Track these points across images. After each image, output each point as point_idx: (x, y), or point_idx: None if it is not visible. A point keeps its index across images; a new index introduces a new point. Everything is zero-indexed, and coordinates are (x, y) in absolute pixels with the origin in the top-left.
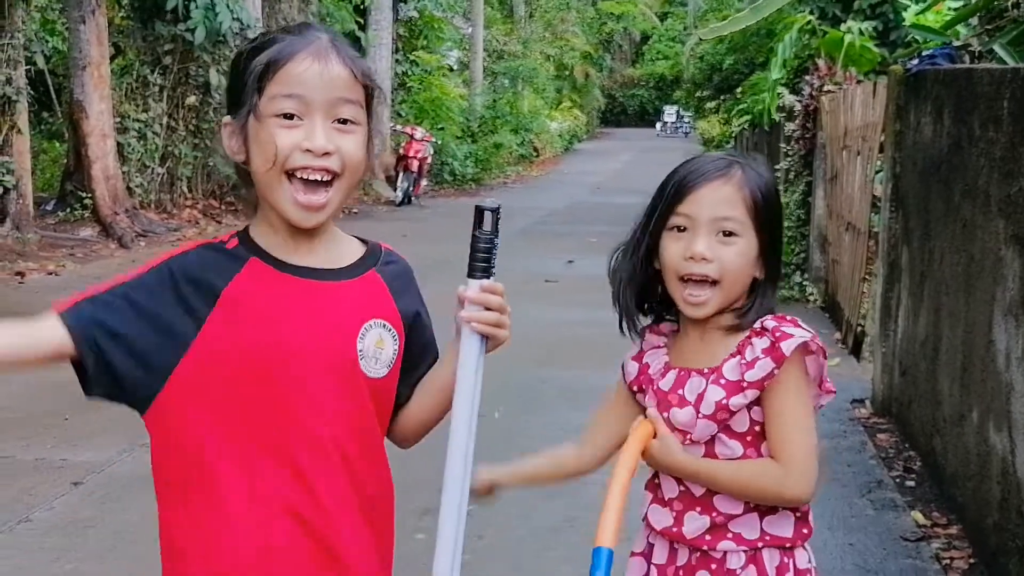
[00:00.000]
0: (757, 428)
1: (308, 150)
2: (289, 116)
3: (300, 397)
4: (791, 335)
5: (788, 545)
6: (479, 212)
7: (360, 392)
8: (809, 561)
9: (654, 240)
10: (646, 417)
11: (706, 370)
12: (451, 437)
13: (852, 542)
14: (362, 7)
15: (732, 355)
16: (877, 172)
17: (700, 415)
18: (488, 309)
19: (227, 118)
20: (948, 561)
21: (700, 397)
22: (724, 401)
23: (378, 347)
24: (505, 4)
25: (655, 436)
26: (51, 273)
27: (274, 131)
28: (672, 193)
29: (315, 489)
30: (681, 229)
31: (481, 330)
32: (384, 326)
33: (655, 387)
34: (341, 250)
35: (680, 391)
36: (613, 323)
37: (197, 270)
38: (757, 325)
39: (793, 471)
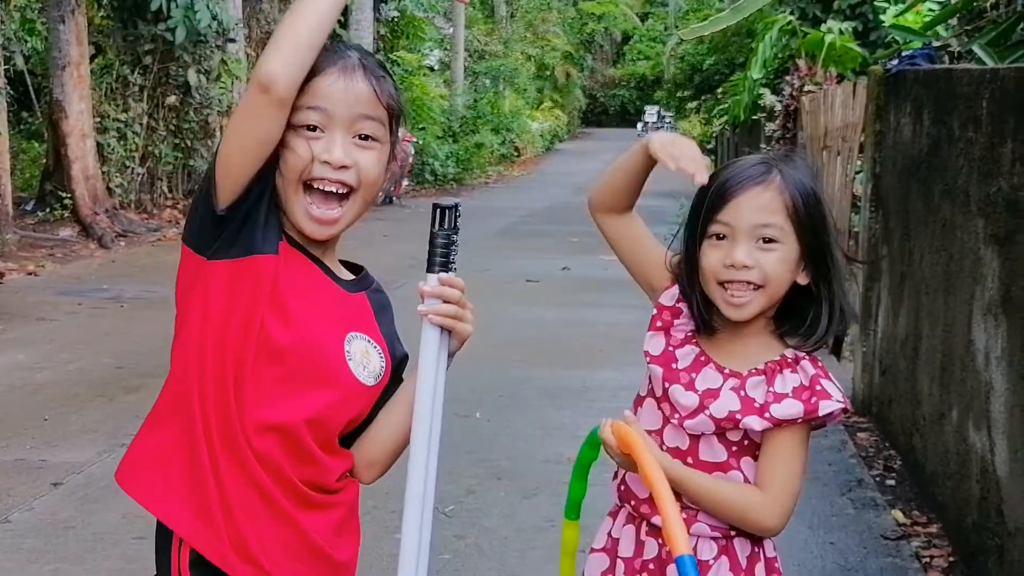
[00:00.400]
0: (746, 442)
1: (326, 162)
2: (312, 128)
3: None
4: (830, 396)
5: (760, 536)
6: (436, 210)
7: (342, 387)
8: (774, 549)
9: (696, 246)
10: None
11: (727, 370)
12: (414, 429)
13: (833, 541)
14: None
15: (758, 371)
16: (857, 172)
17: (707, 412)
18: (448, 302)
19: None
20: (928, 559)
21: (710, 393)
22: (739, 416)
23: (364, 356)
24: (486, 4)
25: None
26: (31, 273)
27: (296, 141)
28: (711, 201)
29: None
30: (720, 237)
31: (438, 322)
32: (368, 340)
33: (670, 347)
34: (340, 268)
35: (693, 375)
36: (594, 323)
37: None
38: (790, 354)
39: (774, 504)
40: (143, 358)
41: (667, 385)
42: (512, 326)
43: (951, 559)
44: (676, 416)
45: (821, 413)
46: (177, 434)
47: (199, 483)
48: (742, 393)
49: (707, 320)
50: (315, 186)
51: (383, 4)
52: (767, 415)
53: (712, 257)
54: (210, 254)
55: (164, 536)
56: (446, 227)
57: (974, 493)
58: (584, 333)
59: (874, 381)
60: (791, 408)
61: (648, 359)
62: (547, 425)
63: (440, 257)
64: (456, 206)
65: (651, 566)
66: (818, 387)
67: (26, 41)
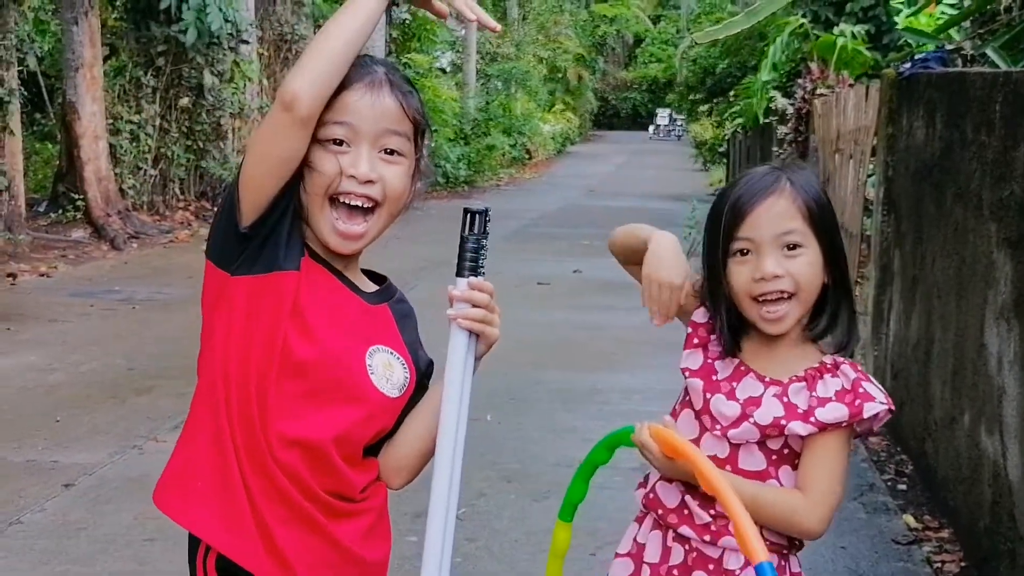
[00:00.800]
0: (786, 451)
1: (352, 176)
2: (339, 142)
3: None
4: (873, 398)
5: (785, 551)
6: (467, 214)
7: (367, 401)
8: (799, 565)
9: (719, 267)
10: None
11: (768, 379)
12: (439, 434)
13: (844, 545)
14: None
15: (799, 378)
16: (869, 175)
17: (752, 420)
18: (476, 307)
19: None
20: (939, 564)
21: (752, 401)
22: (783, 421)
23: (387, 369)
24: (499, 6)
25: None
26: (43, 275)
27: (322, 155)
28: (728, 220)
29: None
30: (745, 252)
31: (467, 326)
32: (391, 352)
33: (709, 360)
34: (362, 281)
35: (734, 384)
36: (605, 326)
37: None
38: (829, 360)
39: (816, 507)
40: (155, 360)
41: (708, 396)
42: (523, 329)
43: (963, 564)
44: (718, 427)
45: (866, 415)
46: (206, 448)
47: (230, 494)
48: (785, 399)
49: (737, 340)
50: (341, 200)
51: (395, 7)
52: (812, 419)
53: (741, 275)
54: (233, 269)
55: (193, 546)
56: (476, 231)
57: (986, 498)
58: (595, 336)
59: (886, 385)
60: (836, 412)
61: (688, 374)
62: (558, 428)
63: (470, 261)
64: (486, 211)
65: (675, 572)
66: (860, 390)
67: (39, 42)
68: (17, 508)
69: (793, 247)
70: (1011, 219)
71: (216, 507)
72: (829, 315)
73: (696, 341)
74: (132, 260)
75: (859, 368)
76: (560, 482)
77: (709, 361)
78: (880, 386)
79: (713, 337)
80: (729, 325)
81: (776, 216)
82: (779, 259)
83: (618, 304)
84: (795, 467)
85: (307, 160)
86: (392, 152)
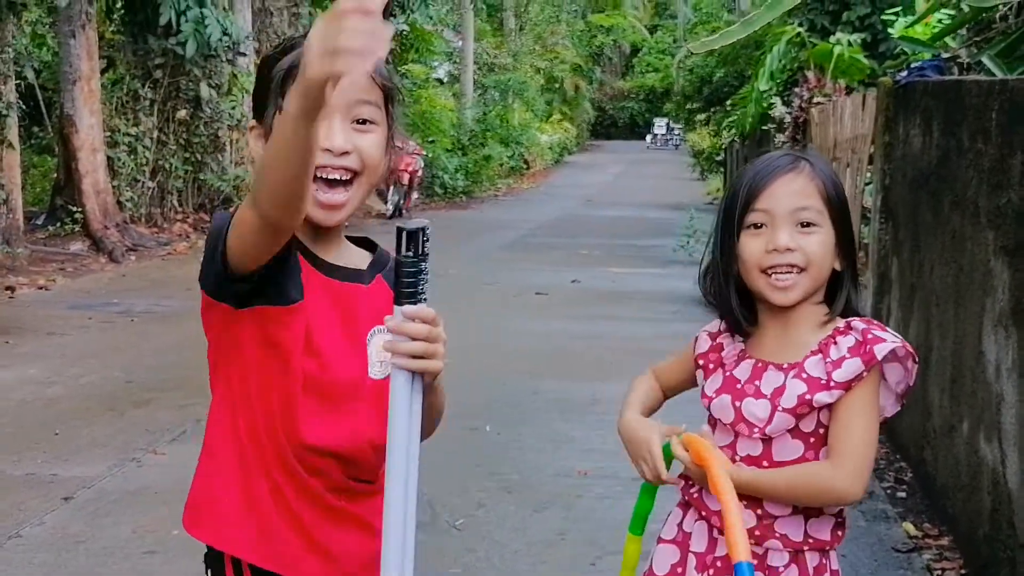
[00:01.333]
0: (822, 431)
1: (327, 149)
2: None
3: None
4: (883, 339)
5: (827, 548)
6: (400, 234)
7: (375, 399)
8: (837, 562)
9: (732, 243)
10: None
11: (785, 365)
12: (387, 490)
13: (844, 553)
14: None
15: (814, 352)
16: (867, 184)
17: (780, 408)
18: (416, 339)
19: (252, 122)
20: (939, 572)
21: (778, 391)
22: (808, 396)
23: (380, 352)
24: (495, 17)
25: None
26: (41, 288)
27: None
28: (746, 193)
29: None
30: (759, 226)
31: (403, 364)
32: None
33: (728, 372)
34: (352, 253)
35: (756, 382)
36: (604, 336)
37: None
38: (841, 324)
39: (845, 467)
40: (153, 372)
41: (738, 404)
42: (521, 338)
43: (962, 572)
44: (756, 431)
45: (879, 356)
46: (230, 468)
47: (261, 507)
48: (804, 376)
49: (746, 316)
50: (318, 175)
51: (392, 18)
52: (832, 384)
53: (753, 246)
54: (235, 303)
55: (215, 564)
56: (411, 253)
57: (985, 505)
58: (593, 345)
59: None
60: (851, 367)
61: (715, 395)
62: (557, 438)
63: (406, 288)
64: (423, 229)
65: (719, 563)
66: (870, 336)
67: (37, 55)
68: (16, 521)
69: (808, 224)
70: (1008, 227)
71: (248, 522)
72: (842, 300)
73: (712, 366)
74: (130, 273)
75: (872, 321)
76: (560, 493)
77: (728, 374)
78: (887, 327)
79: (724, 353)
80: (742, 311)
81: (793, 192)
82: (793, 234)
83: (616, 314)
84: None
85: None
86: (365, 122)
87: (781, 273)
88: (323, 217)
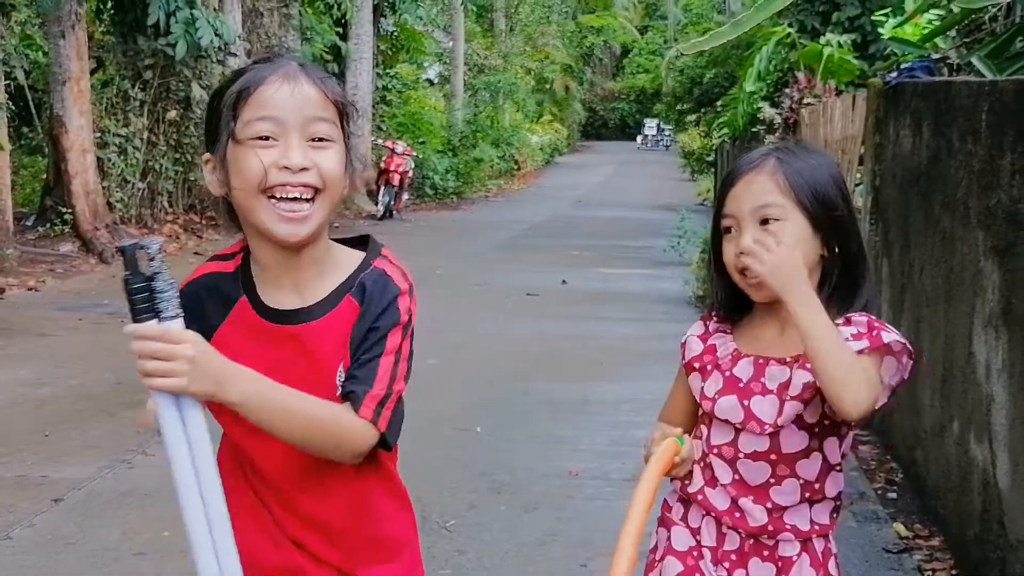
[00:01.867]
0: (826, 422)
1: (285, 167)
2: (265, 138)
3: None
4: (889, 331)
5: (828, 533)
6: (120, 252)
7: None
8: (835, 545)
9: (720, 246)
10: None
11: (788, 359)
12: (187, 529)
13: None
14: (343, 21)
15: None
16: (857, 184)
17: (788, 398)
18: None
19: (207, 155)
20: (930, 573)
21: (784, 385)
22: (814, 381)
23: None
24: (485, 18)
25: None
26: (31, 289)
27: (251, 152)
28: (717, 199)
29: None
30: (728, 230)
31: (153, 385)
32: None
33: (727, 373)
34: (325, 277)
35: (761, 379)
36: (594, 336)
37: (201, 301)
38: (840, 320)
39: (854, 384)
40: None
41: (746, 403)
42: (512, 339)
43: (953, 572)
44: (767, 427)
45: (885, 340)
46: (237, 494)
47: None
48: (808, 365)
49: (736, 302)
50: (278, 195)
51: (383, 18)
52: None
53: (728, 251)
54: None
55: None
56: (129, 272)
57: (976, 506)
58: (584, 346)
59: None
60: (856, 344)
61: (718, 396)
62: (547, 439)
63: (138, 305)
64: (140, 247)
65: (733, 556)
66: (875, 328)
67: (27, 56)
68: (6, 523)
69: (770, 220)
70: (998, 227)
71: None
72: (835, 285)
73: (709, 368)
74: (120, 274)
75: (870, 315)
76: (550, 493)
77: (727, 374)
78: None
79: (719, 353)
80: (730, 303)
81: (753, 193)
82: (757, 233)
83: (607, 314)
84: (840, 438)
85: (236, 163)
86: (321, 140)
87: (754, 274)
88: (288, 232)
